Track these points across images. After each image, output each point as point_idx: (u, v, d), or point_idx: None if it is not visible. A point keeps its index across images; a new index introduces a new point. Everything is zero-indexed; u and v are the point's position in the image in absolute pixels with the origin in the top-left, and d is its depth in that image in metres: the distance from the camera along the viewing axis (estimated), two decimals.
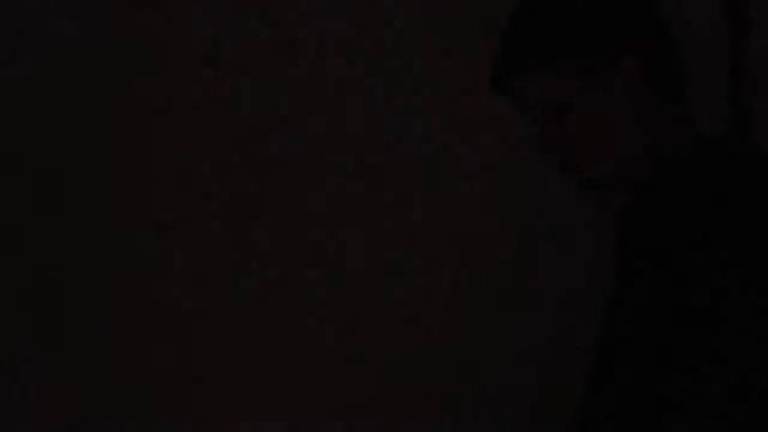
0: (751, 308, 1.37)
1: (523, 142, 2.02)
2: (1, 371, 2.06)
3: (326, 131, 2.05)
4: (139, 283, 2.06)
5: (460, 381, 2.04)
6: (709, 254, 1.37)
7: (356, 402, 2.04)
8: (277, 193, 2.05)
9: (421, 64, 2.04)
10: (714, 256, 1.37)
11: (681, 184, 1.45)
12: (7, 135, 2.07)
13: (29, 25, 2.06)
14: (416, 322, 2.04)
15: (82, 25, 2.06)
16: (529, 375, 2.03)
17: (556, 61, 1.51)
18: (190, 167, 2.06)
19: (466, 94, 2.04)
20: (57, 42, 2.06)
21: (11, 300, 2.06)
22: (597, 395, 1.44)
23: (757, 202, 1.43)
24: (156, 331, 2.05)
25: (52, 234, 2.06)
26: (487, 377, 2.03)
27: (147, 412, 2.05)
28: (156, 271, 2.05)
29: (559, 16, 1.52)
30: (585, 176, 1.54)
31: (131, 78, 2.06)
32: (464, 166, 2.04)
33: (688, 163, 1.48)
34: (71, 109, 2.06)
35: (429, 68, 2.04)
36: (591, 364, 1.49)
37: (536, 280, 2.04)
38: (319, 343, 2.05)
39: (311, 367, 2.05)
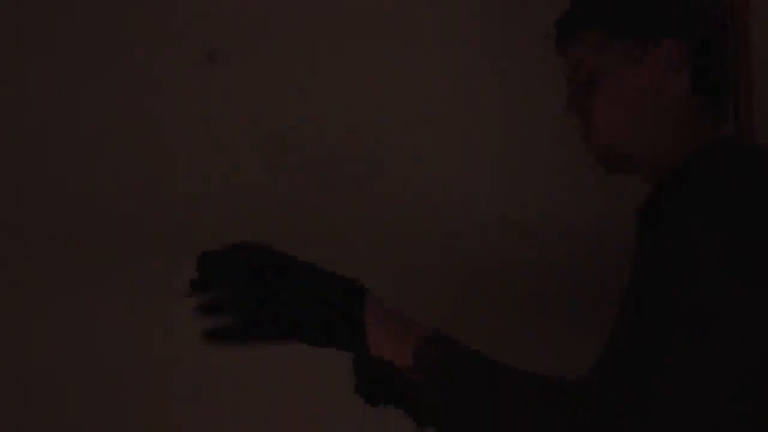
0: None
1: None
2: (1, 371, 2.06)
3: (325, 130, 2.05)
4: (141, 285, 2.05)
5: None
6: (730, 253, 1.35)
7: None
8: (275, 192, 2.05)
9: (420, 61, 2.05)
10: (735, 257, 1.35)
11: (706, 181, 1.44)
12: (7, 134, 2.07)
13: (29, 24, 2.07)
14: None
15: (82, 24, 2.07)
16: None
17: (600, 22, 1.56)
18: (189, 165, 2.06)
19: (467, 95, 2.04)
20: (57, 41, 2.06)
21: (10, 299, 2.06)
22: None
23: None
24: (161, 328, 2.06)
25: (53, 232, 2.06)
26: None
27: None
28: (156, 270, 2.05)
29: None
30: (599, 150, 1.56)
31: (130, 75, 2.06)
32: (468, 165, 2.05)
33: (715, 161, 1.47)
34: (70, 108, 2.06)
35: (429, 66, 2.05)
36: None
37: (537, 281, 2.04)
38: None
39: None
